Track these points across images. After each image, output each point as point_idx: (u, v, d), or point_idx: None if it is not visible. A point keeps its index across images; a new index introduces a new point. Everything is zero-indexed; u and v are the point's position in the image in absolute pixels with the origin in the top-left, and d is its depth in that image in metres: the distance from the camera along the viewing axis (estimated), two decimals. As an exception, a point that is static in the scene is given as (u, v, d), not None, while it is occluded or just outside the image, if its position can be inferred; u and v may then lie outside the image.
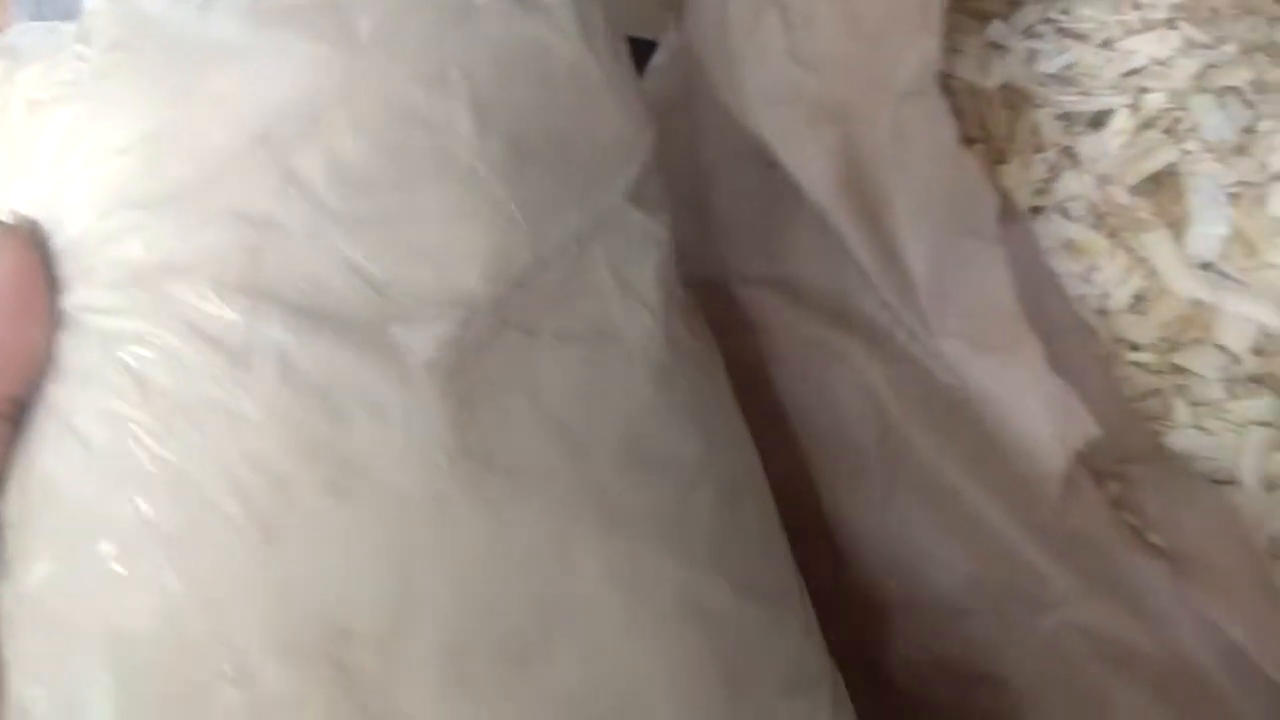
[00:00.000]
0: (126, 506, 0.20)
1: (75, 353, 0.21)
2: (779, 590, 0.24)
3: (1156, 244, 0.33)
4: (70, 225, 0.21)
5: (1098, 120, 0.34)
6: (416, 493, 0.20)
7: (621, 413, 0.22)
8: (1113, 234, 0.33)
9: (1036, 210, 0.33)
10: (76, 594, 0.20)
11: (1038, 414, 0.26)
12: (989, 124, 0.33)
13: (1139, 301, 0.33)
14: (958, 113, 0.34)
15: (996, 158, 0.33)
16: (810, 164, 0.29)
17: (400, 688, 0.19)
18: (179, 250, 0.20)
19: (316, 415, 0.20)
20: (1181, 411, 0.32)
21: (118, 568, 0.19)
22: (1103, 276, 0.33)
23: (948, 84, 0.34)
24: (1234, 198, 0.33)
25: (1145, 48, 0.34)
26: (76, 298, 0.21)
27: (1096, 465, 0.30)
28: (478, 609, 0.20)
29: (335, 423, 0.20)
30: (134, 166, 0.20)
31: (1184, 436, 0.32)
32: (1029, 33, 0.35)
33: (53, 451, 0.20)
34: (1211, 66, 0.34)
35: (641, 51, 0.40)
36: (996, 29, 0.35)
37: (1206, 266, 0.33)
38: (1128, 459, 0.31)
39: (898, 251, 0.28)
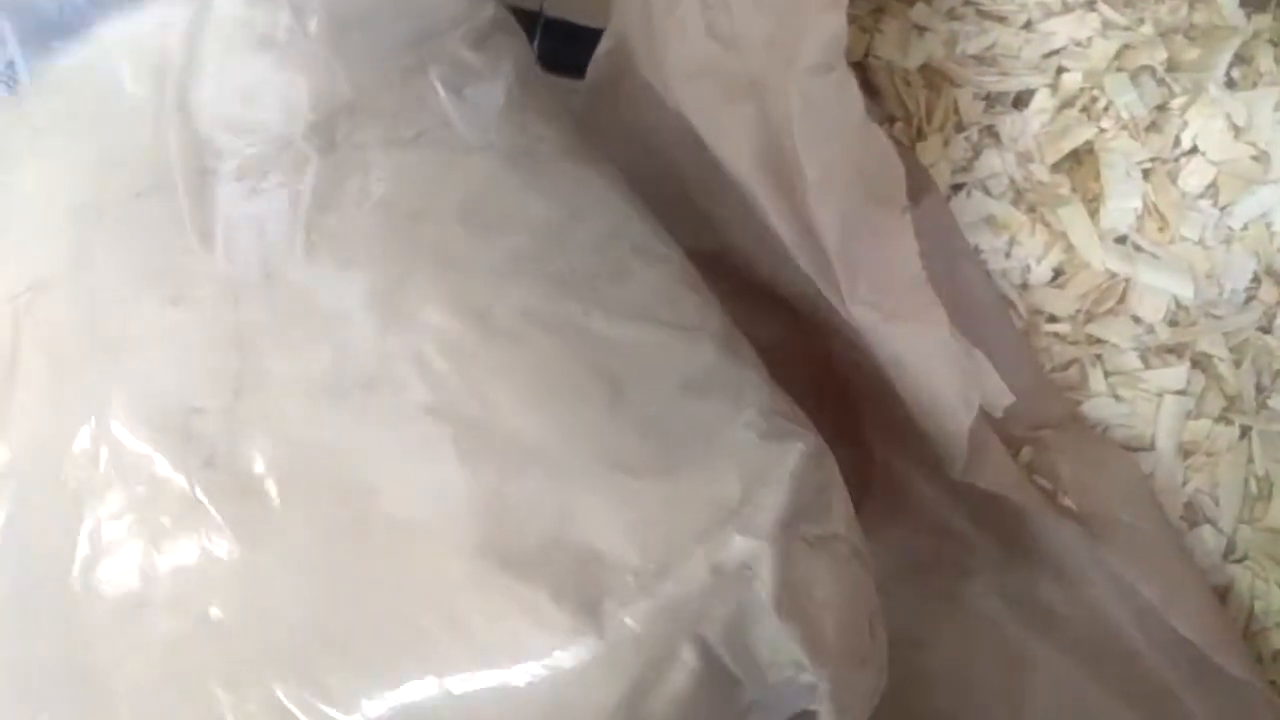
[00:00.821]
0: None
1: None
2: (676, 320, 0.26)
3: (1073, 218, 0.33)
4: None
5: (1019, 100, 0.35)
6: (250, 281, 0.23)
7: (459, 185, 0.24)
8: (1032, 210, 0.34)
9: (958, 188, 0.34)
10: None
11: (943, 376, 0.27)
12: (909, 103, 0.34)
13: (1058, 275, 0.34)
14: (879, 92, 0.35)
15: (917, 136, 0.34)
16: (728, 138, 0.29)
17: (248, 438, 0.22)
18: None
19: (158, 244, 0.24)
20: (1097, 380, 0.33)
21: None
22: (1023, 251, 0.34)
23: (869, 64, 0.35)
24: (1147, 173, 0.34)
25: (1064, 29, 0.35)
26: None
27: (1011, 431, 0.31)
28: (315, 362, 0.22)
29: (172, 250, 0.23)
30: None
31: (1100, 405, 0.33)
32: (951, 15, 0.36)
33: None
34: (1128, 47, 0.35)
35: (595, 38, 0.41)
36: (919, 11, 0.35)
37: (1121, 240, 0.34)
38: (1043, 425, 0.32)
39: (812, 223, 0.28)
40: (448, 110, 0.25)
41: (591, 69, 0.41)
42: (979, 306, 0.32)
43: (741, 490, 0.22)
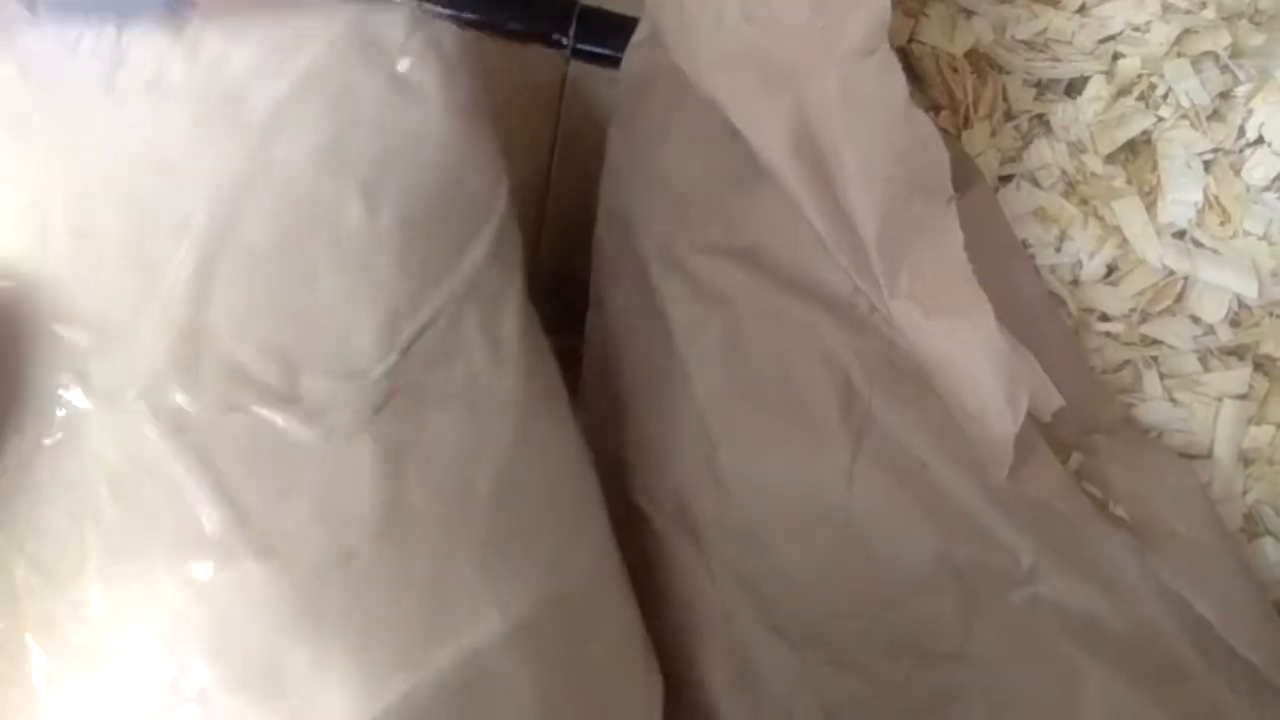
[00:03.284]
0: None
1: None
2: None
3: (1128, 212, 0.32)
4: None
5: (1071, 87, 0.34)
6: (326, 551, 0.24)
7: (493, 460, 0.26)
8: (1084, 203, 0.32)
9: (1006, 179, 0.33)
10: None
11: (989, 376, 0.25)
12: (955, 90, 0.32)
13: (1111, 272, 0.32)
14: (924, 78, 0.34)
15: (963, 124, 0.32)
16: (763, 127, 0.28)
17: None
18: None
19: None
20: (1153, 383, 0.31)
21: None
22: (1074, 246, 0.32)
23: (913, 49, 0.33)
24: (1209, 165, 0.32)
25: (1121, 13, 0.34)
26: None
27: (1060, 436, 0.30)
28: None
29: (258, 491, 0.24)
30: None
31: (1155, 409, 0.31)
32: (1000, -1, 0.34)
33: None
34: (1189, 31, 0.33)
35: (630, 28, 0.40)
36: (967, -5, 0.34)
37: (1180, 235, 0.32)
38: (1094, 430, 0.30)
39: (850, 214, 0.27)
40: (481, 355, 0.27)
41: (626, 60, 0.40)
42: (1027, 304, 0.30)
43: None
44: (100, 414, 0.23)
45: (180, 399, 0.23)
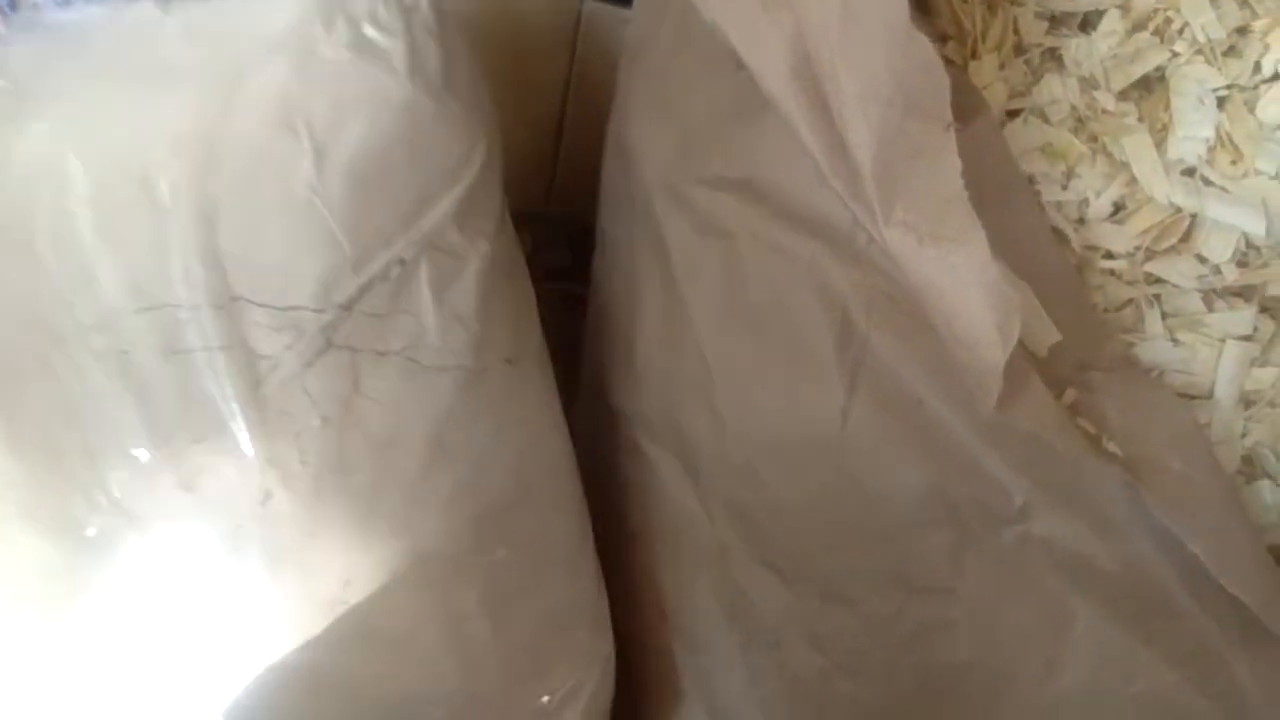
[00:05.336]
0: None
1: None
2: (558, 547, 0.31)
3: (1138, 149, 0.31)
4: None
5: (1086, 22, 0.33)
6: (245, 490, 0.25)
7: (427, 414, 0.26)
8: (1094, 139, 0.32)
9: (1014, 114, 0.32)
10: None
11: (980, 304, 0.25)
12: (963, 20, 0.32)
13: (1118, 210, 0.32)
14: (931, 8, 0.33)
15: (970, 55, 0.32)
16: (762, 49, 0.28)
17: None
18: None
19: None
20: (1154, 322, 0.31)
21: None
22: (1082, 183, 0.32)
23: (922, -22, 0.33)
24: (1222, 101, 0.31)
25: (1140, -54, 0.33)
26: None
27: (1057, 371, 0.29)
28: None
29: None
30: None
31: (1156, 348, 0.31)
32: (1015, -71, 0.33)
33: None
34: (1208, -34, 0.32)
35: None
36: (981, -76, 0.33)
37: (1189, 172, 0.31)
38: (1091, 367, 0.30)
39: (846, 139, 0.27)
40: (429, 315, 0.27)
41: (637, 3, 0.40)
42: (1028, 239, 0.30)
43: None
44: (79, 338, 0.25)
45: (123, 341, 0.25)
